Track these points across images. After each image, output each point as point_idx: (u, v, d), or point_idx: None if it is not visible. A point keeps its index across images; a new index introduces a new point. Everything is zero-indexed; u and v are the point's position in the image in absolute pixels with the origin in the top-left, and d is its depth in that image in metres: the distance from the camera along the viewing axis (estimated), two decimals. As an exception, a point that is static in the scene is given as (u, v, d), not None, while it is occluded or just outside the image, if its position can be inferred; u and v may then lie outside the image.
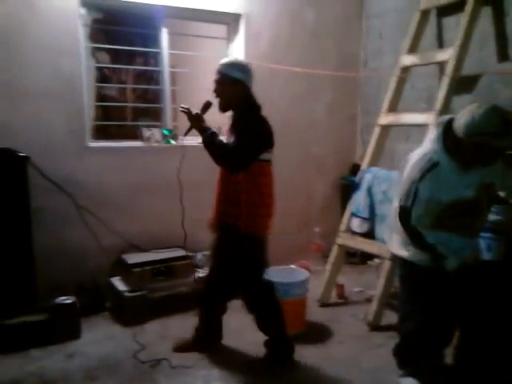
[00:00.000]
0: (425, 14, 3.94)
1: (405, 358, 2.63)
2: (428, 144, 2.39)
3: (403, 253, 2.50)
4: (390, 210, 3.37)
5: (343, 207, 4.12)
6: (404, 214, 2.38)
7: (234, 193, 2.71)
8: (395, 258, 2.71)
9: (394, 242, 2.58)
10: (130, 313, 3.23)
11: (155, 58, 4.02)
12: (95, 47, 3.87)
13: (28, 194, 3.02)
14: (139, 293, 3.29)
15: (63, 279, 3.32)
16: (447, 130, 2.32)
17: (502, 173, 2.40)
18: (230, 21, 4.22)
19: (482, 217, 2.49)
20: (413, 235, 2.41)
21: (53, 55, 3.38)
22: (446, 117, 2.40)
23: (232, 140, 2.66)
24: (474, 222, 2.45)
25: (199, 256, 3.84)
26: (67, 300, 3.09)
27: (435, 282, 2.41)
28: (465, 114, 2.25)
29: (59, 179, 3.34)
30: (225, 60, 2.72)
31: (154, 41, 3.93)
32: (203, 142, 2.63)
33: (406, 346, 2.61)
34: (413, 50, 3.90)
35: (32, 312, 3.01)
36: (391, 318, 3.44)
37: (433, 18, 4.00)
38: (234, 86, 2.64)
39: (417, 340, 2.52)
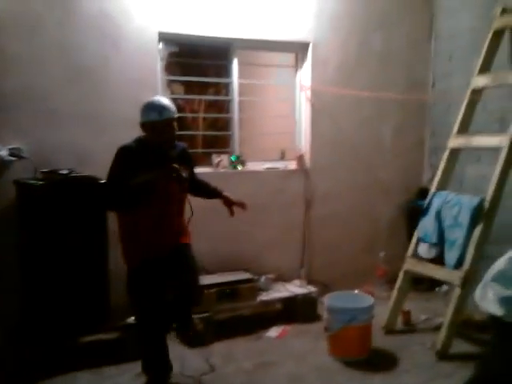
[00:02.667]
0: (498, 33, 3.85)
1: None
2: None
3: (499, 311, 2.14)
4: (461, 237, 3.31)
5: (409, 232, 4.06)
6: None
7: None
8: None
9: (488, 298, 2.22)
10: (196, 334, 3.33)
11: (226, 88, 4.21)
12: (170, 79, 4.11)
13: (106, 217, 3.22)
14: (205, 314, 3.38)
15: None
16: None
17: None
18: (298, 49, 4.34)
19: None
20: None
21: (133, 88, 3.64)
22: None
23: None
24: None
25: (263, 279, 3.92)
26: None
27: None
28: None
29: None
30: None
31: (225, 71, 4.13)
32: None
33: None
34: (485, 70, 3.81)
35: (105, 331, 3.19)
36: (460, 347, 3.35)
37: (506, 38, 3.90)
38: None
39: None
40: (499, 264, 2.24)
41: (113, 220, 3.28)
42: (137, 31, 3.64)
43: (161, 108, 2.64)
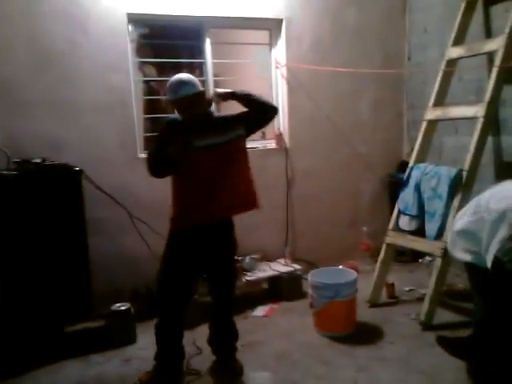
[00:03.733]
0: (471, 4, 3.85)
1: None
2: None
3: (467, 258, 2.48)
4: (440, 208, 3.35)
5: (391, 205, 4.08)
6: (500, 267, 2.22)
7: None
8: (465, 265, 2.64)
9: (457, 247, 2.57)
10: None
11: (200, 68, 4.14)
12: (142, 61, 4.03)
13: (83, 205, 3.18)
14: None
15: (119, 286, 3.48)
16: None
17: None
18: (272, 26, 4.28)
19: None
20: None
21: (104, 72, 3.58)
22: None
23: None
24: None
25: (248, 259, 3.92)
26: (123, 306, 3.23)
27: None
28: None
29: (112, 190, 3.50)
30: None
31: (198, 51, 4.05)
32: (248, 96, 2.74)
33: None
34: (459, 41, 3.82)
35: (90, 319, 3.17)
36: (444, 316, 3.39)
37: (479, 8, 3.89)
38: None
39: None
40: (462, 223, 2.55)
41: (91, 207, 3.27)
42: (105, 13, 3.55)
43: (176, 87, 2.59)
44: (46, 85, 3.43)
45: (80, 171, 3.17)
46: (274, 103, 2.89)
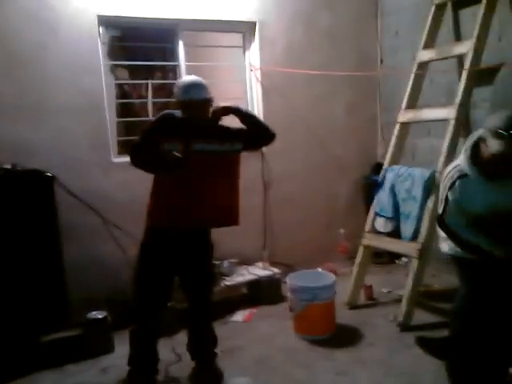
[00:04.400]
0: (440, 7, 3.92)
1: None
2: (461, 156, 2.41)
3: (444, 247, 2.58)
4: (415, 209, 3.39)
5: (367, 207, 4.10)
6: (439, 220, 2.50)
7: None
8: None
9: (440, 239, 2.66)
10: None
11: (174, 71, 4.09)
12: (114, 64, 3.96)
13: (56, 211, 3.10)
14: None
15: (94, 293, 3.38)
16: (477, 142, 2.35)
17: None
18: (245, 29, 4.26)
19: None
20: (449, 234, 2.47)
21: (75, 74, 3.50)
22: (480, 130, 2.37)
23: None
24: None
25: (226, 264, 3.88)
26: (99, 315, 3.15)
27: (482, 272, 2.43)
28: (492, 119, 2.28)
29: (86, 195, 3.42)
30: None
31: (171, 54, 4.01)
32: (245, 114, 2.74)
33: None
34: (430, 44, 3.88)
35: (65, 328, 3.08)
36: (422, 317, 3.42)
37: (449, 12, 3.96)
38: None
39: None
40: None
41: (64, 213, 3.18)
42: (75, 15, 3.47)
43: (187, 88, 2.57)
44: (16, 88, 3.33)
45: (52, 177, 3.08)
46: (273, 130, 2.84)
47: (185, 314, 2.89)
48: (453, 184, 2.35)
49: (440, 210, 2.45)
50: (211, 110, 2.64)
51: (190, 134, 2.57)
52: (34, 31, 3.36)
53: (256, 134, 2.77)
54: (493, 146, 2.21)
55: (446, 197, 2.39)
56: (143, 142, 2.59)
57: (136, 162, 2.60)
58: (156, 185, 2.64)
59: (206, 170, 2.58)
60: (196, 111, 2.57)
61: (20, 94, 3.34)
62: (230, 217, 2.73)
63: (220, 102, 2.72)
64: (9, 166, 3.05)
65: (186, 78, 2.65)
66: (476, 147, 2.34)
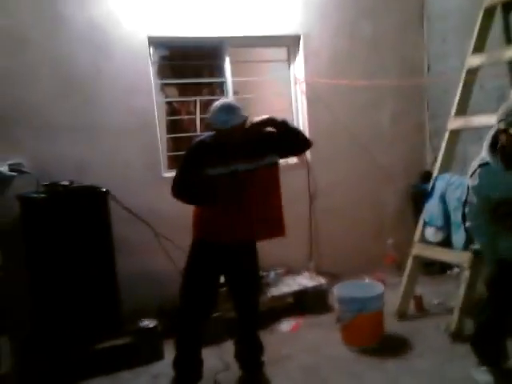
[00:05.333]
0: (490, 11, 3.81)
1: (480, 349, 2.73)
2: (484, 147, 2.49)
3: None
4: None
5: (416, 216, 4.04)
6: (463, 208, 2.70)
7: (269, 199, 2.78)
8: None
9: None
10: (209, 333, 3.21)
11: (221, 87, 4.21)
12: (164, 83, 4.12)
13: (110, 224, 3.25)
14: (216, 314, 3.34)
15: (146, 303, 3.50)
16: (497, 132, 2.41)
17: None
18: (290, 43, 4.33)
19: None
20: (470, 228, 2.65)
21: (127, 94, 3.66)
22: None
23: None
24: None
25: (272, 274, 3.92)
26: (150, 324, 3.27)
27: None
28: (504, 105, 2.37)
29: (138, 209, 3.57)
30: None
31: (218, 70, 4.13)
32: (285, 124, 2.72)
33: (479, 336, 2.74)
34: (479, 49, 3.78)
35: (118, 336, 3.20)
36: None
37: (498, 15, 3.87)
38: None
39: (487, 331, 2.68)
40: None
41: (118, 226, 3.33)
42: (126, 37, 3.65)
43: (216, 115, 2.58)
44: (71, 109, 3.53)
45: (106, 192, 3.25)
46: (308, 137, 2.87)
47: (232, 323, 2.96)
48: (474, 172, 2.47)
49: (465, 198, 2.62)
50: (248, 125, 2.65)
51: (229, 156, 2.61)
52: (88, 54, 3.55)
53: (291, 141, 2.75)
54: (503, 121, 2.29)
55: (468, 186, 2.52)
56: (182, 176, 2.67)
57: (180, 196, 2.69)
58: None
59: (247, 186, 2.63)
60: (226, 137, 2.60)
61: (76, 115, 3.54)
62: (275, 229, 2.79)
63: (266, 114, 2.77)
64: (66, 183, 3.23)
65: (217, 103, 2.64)
66: (496, 137, 2.40)
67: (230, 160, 2.62)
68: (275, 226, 2.79)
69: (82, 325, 3.13)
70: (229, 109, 2.58)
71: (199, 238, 2.75)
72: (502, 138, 2.34)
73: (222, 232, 2.66)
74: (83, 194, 3.23)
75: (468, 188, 2.58)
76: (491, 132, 2.44)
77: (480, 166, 2.45)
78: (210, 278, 2.75)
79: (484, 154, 2.44)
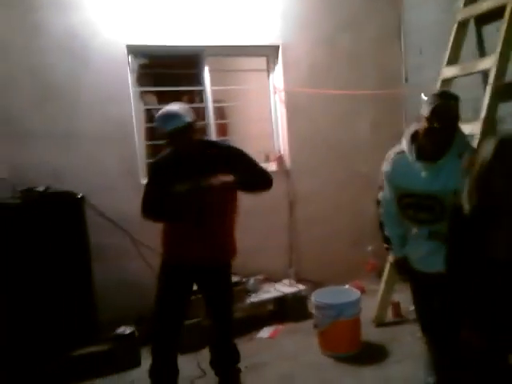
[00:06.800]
0: (463, 24, 3.91)
1: None
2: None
3: None
4: None
5: (394, 224, 4.07)
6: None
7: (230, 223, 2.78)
8: None
9: None
10: (186, 340, 3.25)
11: (200, 95, 4.24)
12: (143, 90, 4.13)
13: (86, 231, 3.25)
14: (194, 320, 3.36)
15: (123, 310, 3.46)
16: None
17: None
18: (269, 53, 4.38)
19: (438, 218, 2.29)
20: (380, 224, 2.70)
21: (104, 102, 3.67)
22: None
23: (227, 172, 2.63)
24: (431, 220, 2.32)
25: (252, 281, 3.92)
26: (127, 330, 3.26)
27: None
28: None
29: (116, 216, 3.57)
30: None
31: (197, 79, 4.15)
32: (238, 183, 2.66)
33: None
34: (453, 61, 3.87)
35: (95, 343, 3.19)
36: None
37: (472, 28, 3.96)
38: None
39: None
40: None
41: (95, 233, 3.31)
42: (105, 46, 3.66)
43: (164, 118, 2.56)
44: (49, 116, 3.52)
45: (82, 198, 3.24)
46: (270, 177, 2.84)
47: (209, 330, 2.95)
48: (387, 159, 2.46)
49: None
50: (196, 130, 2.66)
51: (185, 172, 2.59)
52: (66, 63, 3.56)
53: (252, 184, 2.75)
54: (425, 110, 2.23)
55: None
56: (147, 196, 2.70)
57: (148, 216, 2.71)
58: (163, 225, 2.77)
59: (204, 204, 2.59)
60: (175, 141, 2.58)
61: (53, 122, 3.53)
62: (227, 253, 2.78)
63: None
64: (42, 189, 3.21)
65: (160, 110, 2.63)
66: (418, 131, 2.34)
67: (186, 176, 2.59)
68: (228, 251, 2.78)
69: (57, 332, 3.11)
70: (171, 113, 2.57)
71: (163, 261, 2.79)
72: (422, 125, 2.27)
73: (182, 253, 2.67)
74: (58, 200, 3.22)
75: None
76: (413, 126, 2.41)
77: (397, 154, 2.41)
78: (178, 293, 2.74)
79: (402, 145, 2.40)
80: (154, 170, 2.76)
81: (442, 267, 2.11)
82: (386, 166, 2.47)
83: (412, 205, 2.36)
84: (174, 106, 2.63)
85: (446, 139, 2.25)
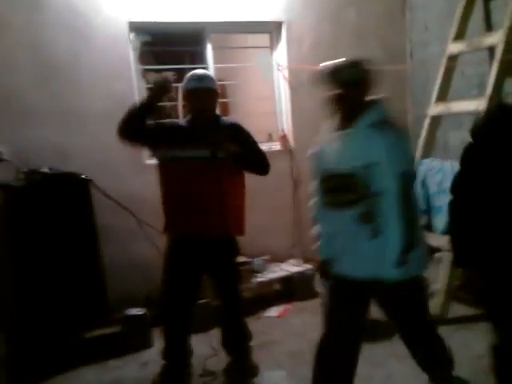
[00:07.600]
0: (470, -1, 3.85)
1: None
2: None
3: None
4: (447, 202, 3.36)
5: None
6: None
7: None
8: None
9: None
10: (197, 320, 3.25)
11: (202, 74, 4.16)
12: (145, 68, 4.06)
13: (92, 212, 3.22)
14: (204, 300, 3.34)
15: (133, 291, 3.47)
16: None
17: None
18: (272, 29, 4.31)
19: (362, 197, 2.09)
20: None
21: (106, 80, 3.61)
22: None
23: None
24: (355, 200, 2.10)
25: (258, 261, 3.92)
26: (138, 312, 3.26)
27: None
28: None
29: (120, 197, 3.51)
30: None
31: (200, 57, 4.08)
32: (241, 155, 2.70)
33: None
34: (460, 37, 3.82)
35: (106, 325, 3.19)
36: (458, 310, 3.39)
37: (479, 3, 3.90)
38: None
39: None
40: None
41: (100, 214, 3.28)
42: (106, 23, 3.58)
43: (198, 77, 2.66)
44: (50, 94, 3.46)
45: (88, 179, 3.20)
46: (268, 164, 2.86)
47: (217, 310, 2.95)
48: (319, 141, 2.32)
49: None
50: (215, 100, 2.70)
51: (197, 139, 2.60)
52: (67, 39, 3.49)
53: (250, 163, 2.77)
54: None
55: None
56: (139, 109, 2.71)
57: (127, 131, 2.68)
58: (161, 196, 2.75)
59: (198, 177, 2.60)
60: (199, 102, 2.63)
61: (55, 100, 3.48)
62: (230, 227, 2.70)
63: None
64: (46, 170, 3.17)
65: (195, 70, 2.76)
66: None
67: (198, 144, 2.59)
68: (231, 226, 2.71)
69: (69, 314, 3.10)
70: (203, 75, 2.72)
71: (167, 238, 2.78)
72: None
73: (180, 224, 2.67)
74: (63, 181, 3.18)
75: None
76: None
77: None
78: (186, 271, 2.73)
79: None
80: (168, 122, 2.84)
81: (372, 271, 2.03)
82: (313, 148, 2.31)
83: (333, 188, 2.19)
84: (200, 70, 2.78)
85: (347, 108, 2.16)
